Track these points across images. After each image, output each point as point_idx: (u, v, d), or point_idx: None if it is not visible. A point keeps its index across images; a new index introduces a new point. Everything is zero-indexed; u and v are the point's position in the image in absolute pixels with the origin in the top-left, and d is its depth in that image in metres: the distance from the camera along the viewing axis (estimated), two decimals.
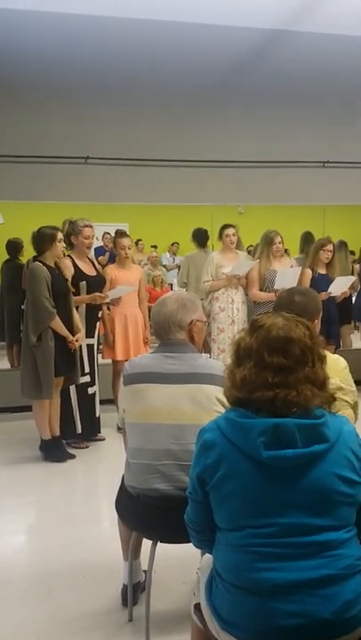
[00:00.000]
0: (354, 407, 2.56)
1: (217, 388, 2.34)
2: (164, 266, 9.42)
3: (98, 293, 5.06)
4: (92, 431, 5.20)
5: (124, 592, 2.79)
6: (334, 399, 1.78)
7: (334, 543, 1.68)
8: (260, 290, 5.81)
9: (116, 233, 5.92)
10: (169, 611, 2.75)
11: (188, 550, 2.14)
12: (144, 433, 2.46)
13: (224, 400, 2.26)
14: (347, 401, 2.51)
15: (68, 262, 4.98)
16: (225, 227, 6.00)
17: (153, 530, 2.51)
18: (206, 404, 2.38)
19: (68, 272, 4.91)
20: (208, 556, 1.95)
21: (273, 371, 1.72)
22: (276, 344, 1.74)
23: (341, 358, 2.62)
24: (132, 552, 2.75)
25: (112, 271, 5.57)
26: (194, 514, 1.86)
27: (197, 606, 1.93)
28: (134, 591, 2.76)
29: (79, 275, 5.01)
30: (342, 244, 7.20)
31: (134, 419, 2.51)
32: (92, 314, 5.12)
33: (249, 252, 6.74)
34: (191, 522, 1.89)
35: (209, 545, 1.87)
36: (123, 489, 2.60)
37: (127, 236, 5.69)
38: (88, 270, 5.13)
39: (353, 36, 6.37)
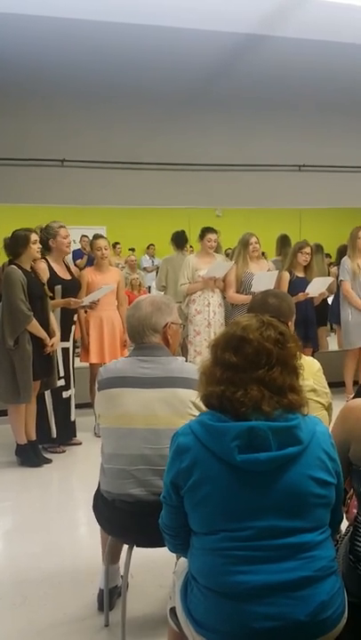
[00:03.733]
0: (328, 409, 2.58)
1: (191, 391, 2.31)
2: (144, 268, 9.41)
3: (72, 298, 5.03)
4: (67, 435, 5.17)
5: (100, 597, 2.77)
6: (299, 406, 1.74)
7: (309, 545, 1.68)
8: (238, 292, 5.83)
9: (93, 236, 5.91)
10: (146, 615, 2.74)
11: (166, 553, 2.13)
12: (118, 438, 2.44)
13: (199, 404, 2.27)
14: (321, 403, 2.53)
15: (43, 265, 4.94)
16: (208, 230, 5.99)
17: (128, 535, 2.50)
18: (181, 409, 2.37)
19: (44, 275, 4.88)
20: (183, 560, 1.95)
21: (223, 367, 1.75)
22: (231, 342, 1.77)
23: (316, 360, 2.64)
24: (108, 556, 2.73)
25: (89, 274, 5.55)
26: (168, 518, 1.86)
27: (173, 610, 1.92)
28: (111, 596, 2.74)
29: (54, 278, 4.98)
30: (318, 248, 7.26)
31: (109, 424, 2.49)
32: (67, 317, 5.09)
33: (227, 255, 6.76)
34: (166, 526, 1.89)
35: (184, 549, 1.86)
36: (98, 494, 2.58)
37: (103, 237, 5.68)
38: (63, 274, 5.10)
39: (328, 41, 6.42)
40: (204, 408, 2.22)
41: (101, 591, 2.76)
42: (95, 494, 2.62)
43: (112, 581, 2.78)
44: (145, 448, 2.39)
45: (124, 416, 2.43)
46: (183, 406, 2.37)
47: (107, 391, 2.49)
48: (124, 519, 2.43)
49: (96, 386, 2.57)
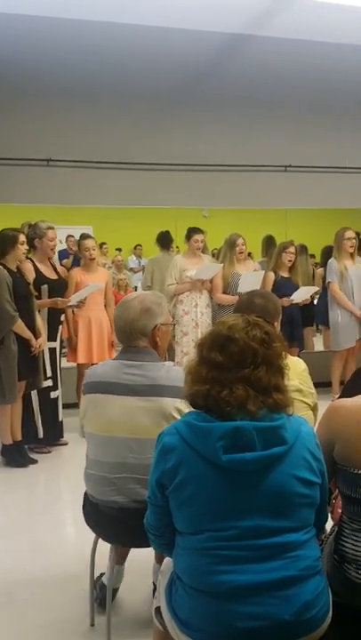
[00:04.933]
0: (313, 409, 2.59)
1: (178, 400, 2.28)
2: (131, 269, 9.38)
3: (59, 298, 5.02)
4: (54, 436, 5.15)
5: (102, 594, 2.72)
6: (284, 406, 1.75)
7: (293, 544, 1.69)
8: (225, 293, 5.84)
9: (80, 236, 5.89)
10: (133, 614, 2.74)
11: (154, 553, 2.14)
12: (101, 444, 2.40)
13: (183, 409, 2.26)
14: (306, 403, 2.54)
15: (29, 265, 4.93)
16: (195, 231, 5.99)
17: (113, 535, 2.49)
18: (167, 417, 2.29)
19: (30, 275, 4.86)
20: (169, 560, 1.95)
21: (208, 366, 1.75)
22: (217, 341, 1.77)
23: (301, 361, 2.65)
24: (115, 557, 2.70)
25: (77, 274, 5.54)
26: (153, 518, 1.86)
27: (158, 610, 1.93)
28: (114, 596, 2.74)
29: (40, 278, 4.97)
30: (303, 248, 7.29)
31: (92, 429, 2.44)
32: (54, 317, 5.08)
33: (213, 256, 6.77)
34: (151, 526, 1.89)
35: (169, 549, 1.86)
36: (85, 495, 2.57)
37: (91, 237, 5.67)
38: (49, 274, 5.09)
39: (315, 42, 6.45)
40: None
41: (104, 588, 2.67)
42: (85, 495, 2.60)
43: (117, 581, 2.78)
44: (128, 456, 2.34)
45: (106, 423, 2.37)
46: (169, 415, 2.30)
47: (92, 395, 2.43)
48: (110, 522, 2.42)
49: (82, 388, 2.53)
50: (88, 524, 2.59)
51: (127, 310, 2.44)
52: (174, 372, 2.42)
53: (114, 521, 2.40)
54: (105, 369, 2.46)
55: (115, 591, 2.78)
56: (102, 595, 2.67)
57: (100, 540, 2.63)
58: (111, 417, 2.36)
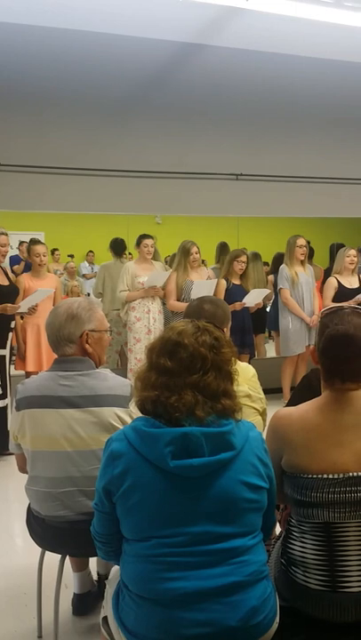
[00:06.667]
0: (262, 414, 2.60)
1: (117, 408, 2.26)
2: (84, 275, 9.32)
3: (9, 304, 4.93)
4: (3, 445, 5.04)
5: (72, 601, 2.77)
6: (232, 412, 1.75)
7: (240, 550, 1.69)
8: (178, 300, 5.85)
9: (30, 241, 5.82)
10: (82, 624, 2.70)
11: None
12: (42, 460, 2.31)
13: (125, 417, 2.24)
14: (255, 408, 2.55)
15: None
16: (144, 237, 6.01)
17: (60, 547, 2.43)
18: (106, 427, 2.25)
19: None
20: (116, 568, 1.93)
21: (158, 372, 1.75)
22: (166, 346, 1.77)
23: (251, 366, 2.66)
24: (72, 565, 2.73)
25: (26, 280, 5.46)
26: (100, 526, 1.83)
27: (105, 619, 1.90)
28: (85, 600, 2.74)
29: None
30: (256, 256, 7.37)
31: (31, 446, 2.33)
32: (4, 324, 4.97)
33: (166, 263, 6.78)
34: (97, 534, 1.86)
35: (116, 556, 1.84)
36: (29, 510, 2.50)
37: (42, 243, 5.60)
38: (0, 279, 5.00)
39: (263, 52, 6.54)
40: (128, 420, 2.21)
41: (75, 595, 2.75)
42: (28, 509, 2.53)
43: (84, 587, 2.76)
44: (71, 470, 2.27)
45: (46, 438, 2.27)
46: (108, 424, 2.25)
47: (27, 411, 2.31)
48: (56, 535, 2.36)
49: (14, 405, 2.39)
50: (33, 538, 2.53)
51: (54, 318, 2.36)
52: (111, 379, 2.35)
53: (61, 534, 2.34)
54: (39, 382, 2.35)
55: (83, 597, 2.76)
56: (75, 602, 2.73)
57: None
58: (51, 432, 2.27)
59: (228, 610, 1.63)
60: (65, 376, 2.31)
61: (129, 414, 2.28)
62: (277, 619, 1.77)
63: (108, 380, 2.34)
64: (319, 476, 1.83)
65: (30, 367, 5.36)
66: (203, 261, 6.56)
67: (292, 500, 1.90)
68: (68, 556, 2.56)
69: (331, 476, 1.82)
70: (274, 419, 1.96)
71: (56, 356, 2.40)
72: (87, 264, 9.41)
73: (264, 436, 1.91)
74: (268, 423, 2.07)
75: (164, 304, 6.02)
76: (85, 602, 2.76)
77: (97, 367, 2.41)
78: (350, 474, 1.81)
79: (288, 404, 2.33)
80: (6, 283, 5.07)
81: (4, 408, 5.03)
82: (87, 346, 2.36)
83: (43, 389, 2.31)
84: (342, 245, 6.55)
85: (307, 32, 6.14)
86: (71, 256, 9.11)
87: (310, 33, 6.23)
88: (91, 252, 9.27)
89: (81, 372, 2.31)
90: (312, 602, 1.83)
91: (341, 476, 1.81)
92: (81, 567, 2.77)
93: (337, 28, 6.00)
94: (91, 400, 2.27)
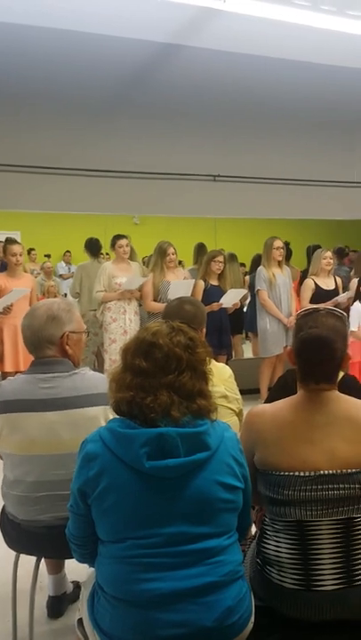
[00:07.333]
0: (239, 415, 2.61)
1: (99, 407, 2.24)
2: (61, 275, 9.26)
3: None
4: None
5: (47, 603, 2.77)
6: (207, 412, 1.75)
7: (215, 550, 1.69)
8: (155, 301, 5.84)
9: (5, 240, 5.76)
10: (57, 626, 2.68)
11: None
12: (21, 464, 2.27)
13: (106, 415, 2.23)
14: (232, 409, 2.56)
15: None
16: (118, 237, 5.99)
17: (36, 550, 2.40)
18: (89, 428, 2.13)
19: None
20: (91, 570, 1.92)
21: (133, 373, 1.74)
22: (141, 347, 1.77)
23: (227, 367, 2.67)
24: (48, 568, 2.72)
25: (1, 280, 5.42)
26: (75, 528, 1.82)
27: (80, 621, 1.89)
28: (61, 602, 2.74)
29: None
30: (233, 257, 7.38)
31: (9, 449, 2.28)
32: None
33: (144, 263, 6.77)
34: (73, 536, 1.85)
35: (91, 558, 1.83)
36: (3, 512, 2.46)
37: (17, 242, 5.55)
38: None
39: (241, 54, 6.56)
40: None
41: (50, 598, 2.76)
42: (2, 513, 2.49)
43: (59, 589, 2.76)
44: (51, 474, 2.23)
45: (27, 442, 2.23)
46: (92, 425, 2.16)
47: (7, 415, 2.25)
48: (32, 539, 2.32)
49: None
50: (7, 542, 2.48)
51: (34, 319, 2.32)
52: (92, 378, 2.33)
53: (38, 538, 2.31)
54: (18, 385, 2.30)
55: (59, 599, 2.76)
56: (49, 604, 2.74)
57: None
58: (32, 436, 2.22)
59: (203, 610, 1.63)
60: (45, 379, 2.27)
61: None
62: (253, 618, 1.77)
63: (85, 379, 2.31)
64: (290, 473, 1.84)
65: (8, 367, 5.32)
66: (180, 262, 6.56)
67: (265, 498, 1.91)
68: (43, 559, 2.55)
69: (302, 474, 1.83)
70: (248, 415, 1.98)
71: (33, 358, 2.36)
72: (64, 264, 9.35)
73: (240, 436, 1.92)
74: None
75: (140, 305, 6.00)
76: (60, 604, 2.75)
77: (74, 368, 2.38)
78: (321, 472, 1.82)
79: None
80: None
81: None
82: (67, 347, 2.33)
83: (22, 393, 2.26)
84: (319, 247, 6.59)
85: (284, 34, 6.16)
86: (48, 256, 9.04)
87: (288, 35, 6.26)
88: (68, 252, 9.22)
89: (61, 373, 2.28)
90: (287, 601, 1.83)
91: (313, 473, 1.82)
92: (57, 570, 2.75)
93: (315, 31, 6.03)
94: (69, 402, 2.24)
